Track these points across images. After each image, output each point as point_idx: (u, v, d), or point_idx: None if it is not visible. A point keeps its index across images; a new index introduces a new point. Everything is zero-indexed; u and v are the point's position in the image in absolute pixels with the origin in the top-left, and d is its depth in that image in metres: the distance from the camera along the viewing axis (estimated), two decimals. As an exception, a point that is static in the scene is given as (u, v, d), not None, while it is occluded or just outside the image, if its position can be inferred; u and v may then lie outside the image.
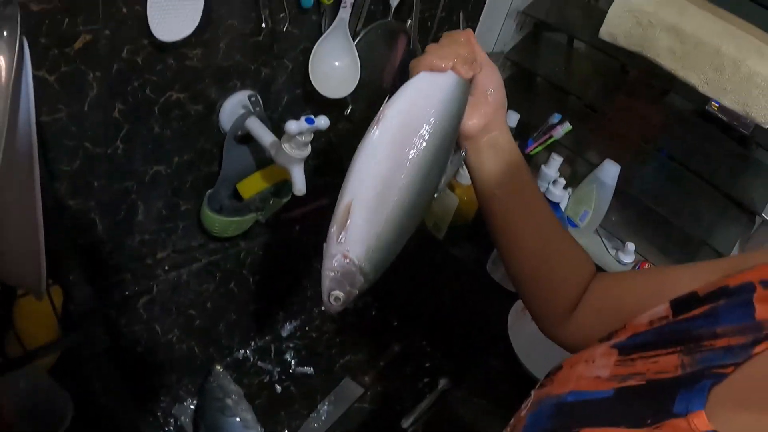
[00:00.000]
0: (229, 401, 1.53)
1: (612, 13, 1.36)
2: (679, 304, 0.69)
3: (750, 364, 0.58)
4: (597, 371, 0.67)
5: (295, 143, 1.16)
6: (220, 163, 1.33)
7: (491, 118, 0.92)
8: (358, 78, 1.35)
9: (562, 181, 1.48)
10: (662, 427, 0.55)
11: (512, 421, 0.74)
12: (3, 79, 0.59)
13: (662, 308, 0.70)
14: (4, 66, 0.60)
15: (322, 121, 1.15)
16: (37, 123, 0.96)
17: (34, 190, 0.68)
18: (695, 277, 0.74)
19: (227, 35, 1.16)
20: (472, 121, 0.91)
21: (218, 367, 1.60)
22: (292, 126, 1.11)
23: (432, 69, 0.87)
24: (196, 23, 1.05)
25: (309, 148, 1.19)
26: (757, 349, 0.58)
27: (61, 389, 1.01)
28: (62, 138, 1.05)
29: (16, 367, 0.90)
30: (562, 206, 1.51)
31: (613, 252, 1.58)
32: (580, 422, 0.62)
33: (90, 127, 1.08)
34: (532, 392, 0.76)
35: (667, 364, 0.62)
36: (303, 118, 1.13)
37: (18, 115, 0.65)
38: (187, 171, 1.30)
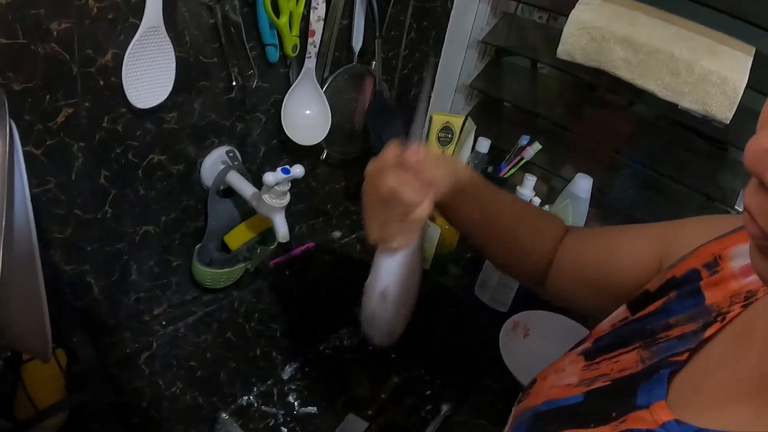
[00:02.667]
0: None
1: (566, 32, 1.40)
2: (635, 305, 0.72)
3: (703, 348, 0.60)
4: (567, 379, 0.71)
5: (274, 193, 1.21)
6: (206, 218, 1.36)
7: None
8: (330, 123, 1.40)
9: (537, 200, 1.53)
10: (626, 420, 0.58)
11: None
12: (-2, 161, 0.63)
13: (621, 310, 0.74)
14: (-3, 149, 0.64)
15: (298, 170, 1.20)
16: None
17: (34, 262, 0.72)
18: (641, 237, 0.82)
19: (200, 96, 1.20)
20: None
21: (224, 415, 1.62)
22: (269, 177, 1.16)
23: (385, 250, 0.94)
24: (170, 88, 1.10)
25: (288, 197, 1.24)
26: (708, 332, 0.60)
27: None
28: (53, 207, 1.09)
29: (27, 429, 0.92)
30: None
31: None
32: (554, 428, 0.65)
33: (78, 194, 1.12)
34: (513, 408, 0.80)
35: (628, 361, 0.65)
36: (279, 169, 1.18)
37: (14, 192, 0.68)
38: (175, 228, 1.34)
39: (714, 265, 0.66)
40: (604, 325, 0.76)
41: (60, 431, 1.07)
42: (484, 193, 0.99)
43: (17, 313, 0.72)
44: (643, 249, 0.80)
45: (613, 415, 0.60)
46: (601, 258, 0.87)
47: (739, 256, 0.64)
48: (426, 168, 0.85)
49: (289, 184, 1.22)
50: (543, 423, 0.69)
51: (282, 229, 1.26)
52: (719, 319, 0.61)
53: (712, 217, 0.77)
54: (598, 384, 0.66)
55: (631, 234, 0.86)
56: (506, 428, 0.77)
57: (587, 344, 0.75)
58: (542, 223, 1.01)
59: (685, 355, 0.61)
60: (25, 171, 0.73)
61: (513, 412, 0.78)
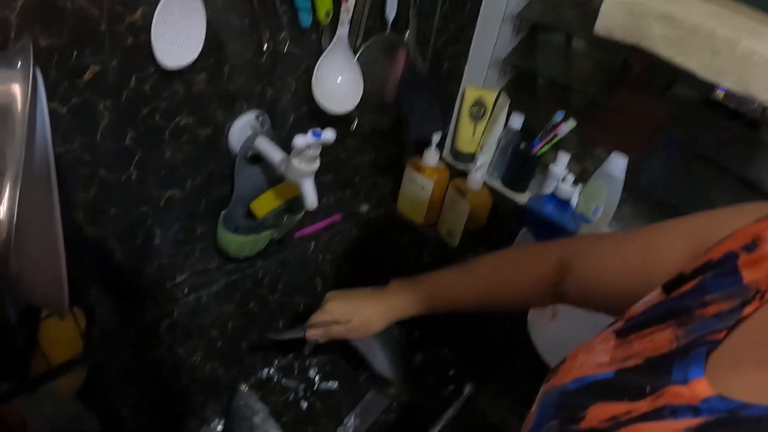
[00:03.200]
0: (256, 419, 1.53)
1: (605, 7, 1.36)
2: (670, 286, 0.70)
3: (741, 326, 0.59)
4: (597, 358, 0.69)
5: (303, 157, 1.18)
6: (233, 184, 1.34)
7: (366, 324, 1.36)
8: (362, 92, 1.37)
9: (571, 177, 1.49)
10: (662, 395, 0.57)
11: (526, 419, 0.76)
12: (19, 107, 0.61)
13: (655, 293, 0.72)
14: (19, 94, 0.62)
15: (329, 134, 1.16)
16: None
17: (53, 214, 0.70)
18: (675, 240, 0.78)
19: (230, 59, 1.18)
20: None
21: (243, 387, 1.61)
22: (299, 140, 1.13)
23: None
24: (200, 49, 1.07)
25: (318, 162, 1.21)
26: (747, 310, 0.59)
27: (88, 412, 1.02)
28: (77, 167, 1.07)
29: (40, 384, 0.90)
30: (573, 203, 1.52)
31: (627, 246, 1.57)
32: (583, 404, 0.64)
33: (103, 155, 1.10)
34: (541, 388, 0.78)
35: (662, 340, 0.64)
36: (310, 132, 1.15)
37: (35, 142, 0.66)
38: (201, 194, 1.32)
39: (753, 246, 0.64)
40: (638, 306, 0.74)
41: (77, 396, 1.05)
42: (453, 295, 1.26)
43: (34, 264, 0.71)
44: (678, 251, 0.77)
45: (647, 389, 0.59)
46: (630, 272, 0.84)
47: None
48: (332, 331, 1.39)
49: (320, 148, 1.19)
50: (571, 399, 0.67)
51: (310, 195, 1.23)
52: (758, 297, 0.60)
53: (752, 203, 0.75)
54: (630, 363, 0.65)
55: (663, 238, 0.82)
56: (533, 407, 0.76)
57: (620, 323, 0.73)
58: (531, 260, 1.11)
59: (723, 333, 0.60)
60: (49, 122, 0.71)
61: (540, 391, 0.77)
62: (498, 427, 1.35)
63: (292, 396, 1.71)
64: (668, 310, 0.67)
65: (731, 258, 0.65)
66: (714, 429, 0.53)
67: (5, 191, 0.59)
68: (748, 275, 0.62)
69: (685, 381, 0.57)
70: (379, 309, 1.34)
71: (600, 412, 0.61)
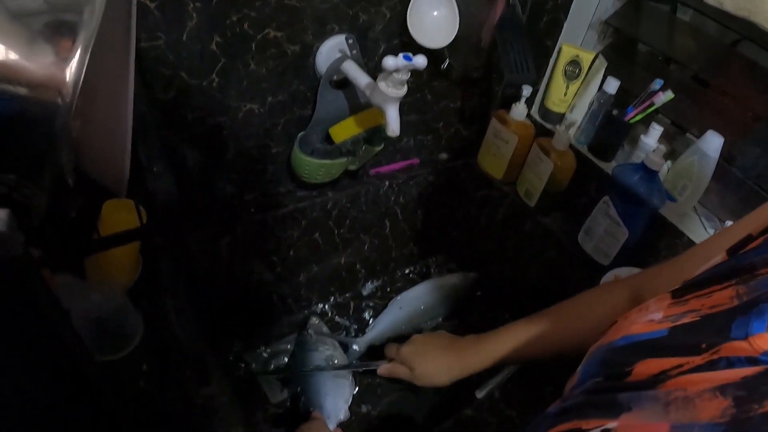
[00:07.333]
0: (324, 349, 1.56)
1: (717, -28, 1.29)
2: (735, 248, 0.68)
3: None
4: (650, 316, 0.67)
5: (391, 81, 1.14)
6: (314, 108, 1.31)
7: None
8: (457, 29, 1.31)
9: (662, 149, 1.42)
10: (719, 350, 0.55)
11: (571, 377, 0.75)
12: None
13: (719, 258, 0.70)
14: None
15: (420, 60, 1.12)
16: (136, 49, 0.97)
17: (126, 91, 0.68)
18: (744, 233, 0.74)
19: (330, -24, 1.14)
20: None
21: (314, 319, 1.64)
22: (389, 61, 1.09)
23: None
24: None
25: (405, 88, 1.17)
26: None
27: (135, 310, 1.01)
28: (159, 66, 1.06)
29: (96, 249, 0.89)
30: (661, 176, 1.45)
31: (711, 231, 1.50)
32: (630, 360, 0.62)
33: (187, 57, 1.08)
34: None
35: (722, 297, 0.61)
36: (401, 55, 1.10)
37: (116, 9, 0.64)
38: (281, 112, 1.29)
39: None
40: (700, 270, 0.71)
41: (129, 293, 1.05)
42: (523, 347, 1.26)
43: (99, 135, 0.69)
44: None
45: (703, 346, 0.56)
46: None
47: None
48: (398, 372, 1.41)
49: (409, 74, 1.14)
50: (619, 356, 0.65)
51: (393, 122, 1.18)
52: None
53: None
54: (686, 320, 0.62)
55: (735, 231, 0.79)
56: (579, 366, 0.73)
57: (677, 285, 0.71)
58: (595, 312, 1.15)
59: None
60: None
61: (588, 351, 0.75)
62: (552, 394, 1.31)
63: (343, 334, 1.70)
64: (730, 270, 0.64)
65: None
66: None
67: (76, 52, 0.56)
68: None
69: (745, 336, 0.54)
70: (446, 362, 1.34)
71: (648, 367, 0.59)
